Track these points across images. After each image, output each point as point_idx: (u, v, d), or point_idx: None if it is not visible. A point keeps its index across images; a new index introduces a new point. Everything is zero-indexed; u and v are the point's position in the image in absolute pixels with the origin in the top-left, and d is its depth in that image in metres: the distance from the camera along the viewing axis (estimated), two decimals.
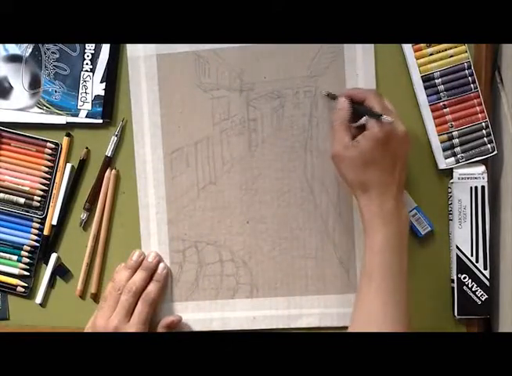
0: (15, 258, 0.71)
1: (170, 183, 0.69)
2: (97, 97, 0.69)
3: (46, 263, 0.71)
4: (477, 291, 0.65)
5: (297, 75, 0.67)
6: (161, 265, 0.68)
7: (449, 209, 0.66)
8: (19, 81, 0.70)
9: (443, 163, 0.66)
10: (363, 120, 0.60)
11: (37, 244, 0.71)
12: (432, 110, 0.65)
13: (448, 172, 0.66)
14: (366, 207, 0.60)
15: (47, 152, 0.71)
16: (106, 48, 0.69)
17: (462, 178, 0.65)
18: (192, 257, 0.69)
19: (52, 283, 0.72)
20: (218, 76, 0.68)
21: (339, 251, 0.67)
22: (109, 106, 0.69)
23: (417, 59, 0.65)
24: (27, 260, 0.71)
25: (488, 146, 0.65)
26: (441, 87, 0.65)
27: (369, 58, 0.66)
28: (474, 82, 0.65)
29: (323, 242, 0.67)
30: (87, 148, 0.70)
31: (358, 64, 0.66)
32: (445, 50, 0.65)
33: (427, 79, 0.65)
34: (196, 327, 0.69)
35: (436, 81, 0.65)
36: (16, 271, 0.71)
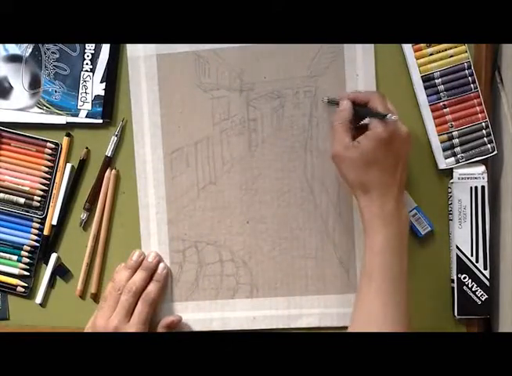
0: (15, 258, 0.71)
1: (170, 183, 0.69)
2: (97, 97, 0.69)
3: (46, 263, 0.71)
4: (477, 291, 0.65)
5: (297, 75, 0.67)
6: (161, 265, 0.68)
7: (449, 209, 0.66)
8: (19, 81, 0.70)
9: (443, 163, 0.66)
10: (366, 120, 0.60)
11: (37, 244, 0.71)
12: (432, 110, 0.65)
13: (448, 172, 0.66)
14: (367, 208, 0.60)
15: (47, 152, 0.71)
16: (106, 48, 0.69)
17: (462, 178, 0.65)
18: (192, 257, 0.69)
19: (52, 283, 0.72)
20: (218, 76, 0.68)
21: (339, 251, 0.67)
22: (109, 106, 0.69)
23: (417, 59, 0.65)
24: (27, 260, 0.71)
25: (488, 146, 0.65)
26: (441, 87, 0.65)
27: (369, 58, 0.66)
28: (474, 82, 0.65)
29: (323, 242, 0.67)
30: (87, 148, 0.70)
31: (358, 64, 0.66)
32: (445, 50, 0.65)
33: (427, 79, 0.65)
34: (196, 327, 0.69)
35: (436, 81, 0.65)
36: (16, 271, 0.71)
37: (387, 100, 0.61)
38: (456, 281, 0.65)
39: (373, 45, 0.66)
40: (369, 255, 0.59)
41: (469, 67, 0.65)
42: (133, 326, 0.64)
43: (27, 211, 0.71)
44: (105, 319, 0.65)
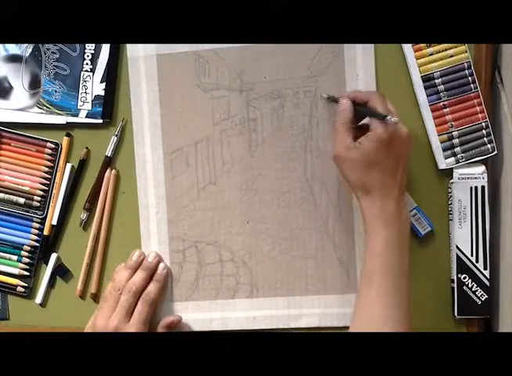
0: (15, 258, 0.71)
1: (170, 183, 0.69)
2: (97, 97, 0.69)
3: (46, 263, 0.71)
4: (477, 291, 0.65)
5: (297, 75, 0.67)
6: (161, 265, 0.68)
7: (449, 209, 0.66)
8: (19, 81, 0.70)
9: (443, 163, 0.66)
10: (366, 121, 0.60)
11: (37, 244, 0.71)
12: (432, 110, 0.65)
13: (448, 172, 0.66)
14: (368, 209, 0.60)
15: (47, 152, 0.71)
16: (106, 48, 0.69)
17: (462, 178, 0.65)
18: (192, 257, 0.69)
19: (52, 283, 0.72)
20: (218, 76, 0.68)
21: (339, 251, 0.67)
22: (109, 106, 0.69)
23: (417, 59, 0.65)
24: (27, 260, 0.71)
25: (488, 146, 0.65)
26: (441, 87, 0.65)
27: (369, 58, 0.66)
28: (474, 82, 0.65)
29: (323, 242, 0.67)
30: (87, 148, 0.70)
31: (358, 64, 0.66)
32: (445, 50, 0.65)
33: (427, 79, 0.65)
34: (196, 327, 0.69)
35: (436, 81, 0.65)
36: (16, 271, 0.71)
37: (387, 100, 0.61)
38: (456, 281, 0.65)
39: (373, 45, 0.66)
40: (369, 256, 0.59)
41: (469, 67, 0.65)
42: (133, 326, 0.64)
43: (27, 211, 0.71)
44: (105, 319, 0.65)
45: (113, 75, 0.69)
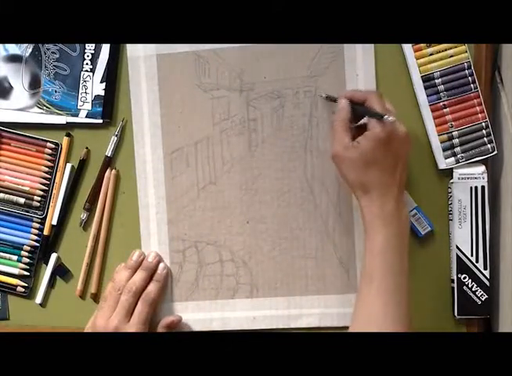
0: (15, 258, 0.71)
1: (170, 183, 0.69)
2: (97, 97, 0.69)
3: (46, 263, 0.71)
4: (477, 291, 0.65)
5: (297, 75, 0.67)
6: (161, 265, 0.68)
7: (449, 209, 0.66)
8: (19, 81, 0.70)
9: (443, 163, 0.66)
10: (364, 120, 0.60)
11: (37, 244, 0.71)
12: (432, 110, 0.65)
13: (448, 172, 0.66)
14: (367, 208, 0.60)
15: (47, 152, 0.71)
16: (106, 48, 0.69)
17: (462, 178, 0.65)
18: (192, 257, 0.69)
19: (52, 283, 0.72)
20: (218, 76, 0.68)
21: (339, 251, 0.67)
22: (109, 106, 0.69)
23: (417, 59, 0.65)
24: (27, 260, 0.71)
25: (488, 146, 0.65)
26: (441, 87, 0.65)
27: (369, 58, 0.66)
28: (474, 82, 0.65)
29: (323, 242, 0.67)
30: (87, 148, 0.70)
31: (358, 64, 0.66)
32: (445, 50, 0.65)
33: (427, 79, 0.65)
34: (196, 327, 0.69)
35: (436, 81, 0.65)
36: (16, 271, 0.71)
37: (384, 99, 0.61)
38: (456, 281, 0.65)
39: (373, 45, 0.66)
40: (369, 255, 0.59)
41: (469, 67, 0.65)
42: (133, 326, 0.64)
43: (27, 211, 0.71)
44: (105, 319, 0.65)
45: (113, 75, 0.69)
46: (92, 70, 0.69)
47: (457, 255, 0.65)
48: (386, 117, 0.57)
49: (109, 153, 0.70)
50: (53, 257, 0.71)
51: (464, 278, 0.65)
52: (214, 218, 0.69)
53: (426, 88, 0.65)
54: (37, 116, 0.70)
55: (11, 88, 0.70)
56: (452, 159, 0.65)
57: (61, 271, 0.71)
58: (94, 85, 0.69)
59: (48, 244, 0.71)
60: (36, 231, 0.71)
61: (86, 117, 0.70)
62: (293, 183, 0.68)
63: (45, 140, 0.70)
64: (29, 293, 0.72)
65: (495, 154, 0.65)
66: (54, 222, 0.71)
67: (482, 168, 0.65)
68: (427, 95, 0.65)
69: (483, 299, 0.65)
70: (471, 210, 0.65)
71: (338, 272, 0.67)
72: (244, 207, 0.68)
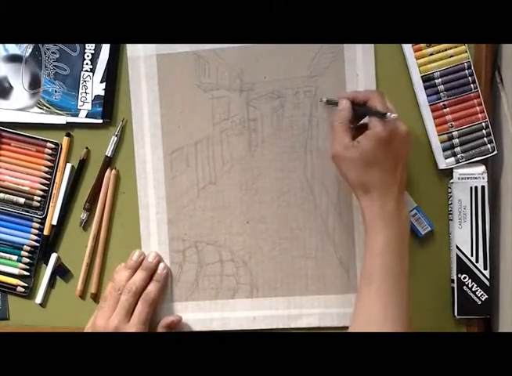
0: (15, 258, 0.71)
1: (170, 183, 0.69)
2: (97, 97, 0.69)
3: (46, 263, 0.71)
4: (477, 291, 0.65)
5: (297, 75, 0.67)
6: (161, 265, 0.68)
7: (449, 209, 0.66)
8: (19, 81, 0.70)
9: (443, 163, 0.66)
10: (366, 119, 0.60)
11: (37, 244, 0.71)
12: (432, 110, 0.65)
13: (448, 172, 0.66)
14: (368, 208, 0.59)
15: (47, 152, 0.71)
16: (106, 48, 0.69)
17: (462, 178, 0.65)
18: (192, 257, 0.69)
19: (52, 283, 0.72)
20: (218, 76, 0.68)
21: (339, 251, 0.67)
22: (109, 106, 0.69)
23: (417, 59, 0.65)
24: (27, 260, 0.71)
25: (488, 146, 0.65)
26: (441, 87, 0.65)
27: (369, 58, 0.66)
28: (474, 82, 0.65)
29: (323, 242, 0.67)
30: (87, 148, 0.70)
31: (358, 64, 0.66)
32: (445, 50, 0.65)
33: (427, 79, 0.65)
34: (196, 327, 0.69)
35: (436, 81, 0.65)
36: (16, 271, 0.71)
37: (386, 99, 0.61)
38: (456, 281, 0.65)
39: (373, 45, 0.66)
40: (369, 256, 0.59)
41: (469, 67, 0.65)
42: (133, 326, 0.64)
43: (27, 211, 0.71)
44: (105, 319, 0.65)
45: (113, 75, 0.69)
46: (92, 70, 0.69)
47: (457, 255, 0.65)
48: (388, 114, 0.57)
49: (109, 153, 0.70)
50: (53, 257, 0.71)
51: (464, 278, 0.65)
52: (214, 218, 0.69)
53: (426, 88, 0.65)
54: (37, 116, 0.70)
55: (11, 88, 0.70)
56: (452, 159, 0.65)
57: (61, 271, 0.71)
58: (94, 85, 0.69)
59: (48, 244, 0.71)
60: (36, 231, 0.71)
61: (86, 117, 0.70)
62: (293, 183, 0.68)
63: (45, 140, 0.70)
64: (29, 293, 0.72)
65: (495, 154, 0.65)
66: (54, 222, 0.71)
67: (482, 168, 0.65)
68: (427, 95, 0.65)
69: (483, 299, 0.65)
70: (471, 210, 0.65)
71: (338, 272, 0.67)
72: (244, 207, 0.68)
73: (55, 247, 0.71)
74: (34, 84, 0.70)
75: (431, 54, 0.65)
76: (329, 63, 0.66)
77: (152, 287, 0.67)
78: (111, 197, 0.70)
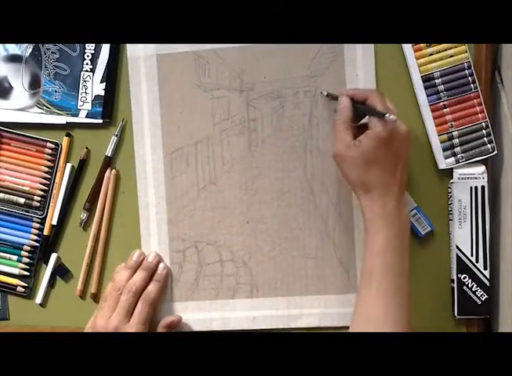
0: (15, 258, 0.71)
1: (170, 183, 0.69)
2: (97, 97, 0.69)
3: (46, 263, 0.71)
4: (477, 291, 0.65)
5: (297, 75, 0.67)
6: (161, 265, 0.68)
7: (449, 209, 0.66)
8: (19, 81, 0.70)
9: (443, 163, 0.66)
10: (366, 119, 0.60)
11: (37, 244, 0.71)
12: (432, 110, 0.65)
13: (448, 172, 0.66)
14: (368, 208, 0.60)
15: (47, 152, 0.71)
16: (106, 48, 0.69)
17: (462, 178, 0.65)
18: (192, 257, 0.69)
19: (52, 283, 0.72)
20: (218, 76, 0.68)
21: (339, 251, 0.67)
22: (109, 106, 0.69)
23: (417, 59, 0.65)
24: (27, 260, 0.71)
25: (488, 146, 0.65)
26: (441, 87, 0.65)
27: (369, 58, 0.66)
28: (474, 82, 0.65)
29: (323, 242, 0.67)
30: (87, 148, 0.70)
31: (358, 64, 0.66)
32: (445, 50, 0.65)
33: (427, 79, 0.65)
34: (196, 327, 0.69)
35: (436, 81, 0.65)
36: (16, 271, 0.71)
37: (386, 98, 0.61)
38: (456, 281, 0.65)
39: (373, 45, 0.66)
40: (369, 255, 0.59)
41: (469, 67, 0.65)
42: (133, 326, 0.64)
43: (27, 211, 0.71)
44: (105, 319, 0.65)
45: (113, 75, 0.69)
46: (92, 70, 0.69)
47: (457, 255, 0.65)
48: (387, 115, 0.57)
49: (109, 153, 0.70)
50: (53, 257, 0.71)
51: (464, 278, 0.65)
52: (214, 218, 0.69)
53: (426, 88, 0.65)
54: (37, 116, 0.70)
55: (11, 88, 0.70)
56: (452, 159, 0.65)
57: (61, 271, 0.71)
58: (94, 85, 0.69)
59: (48, 244, 0.71)
60: (36, 231, 0.71)
61: (86, 117, 0.70)
62: (293, 183, 0.68)
63: (45, 140, 0.70)
64: (29, 293, 0.72)
65: (495, 154, 0.65)
66: (54, 222, 0.71)
67: (482, 168, 0.65)
68: (427, 95, 0.65)
69: (483, 299, 0.65)
70: (471, 210, 0.65)
71: (338, 272, 0.67)
72: (244, 207, 0.68)
73: (55, 247, 0.71)
74: (34, 84, 0.70)
75: (431, 54, 0.65)
76: (329, 63, 0.66)
77: (152, 287, 0.67)
78: (111, 197, 0.70)
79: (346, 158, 0.60)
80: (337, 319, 0.67)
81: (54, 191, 0.70)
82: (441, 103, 0.65)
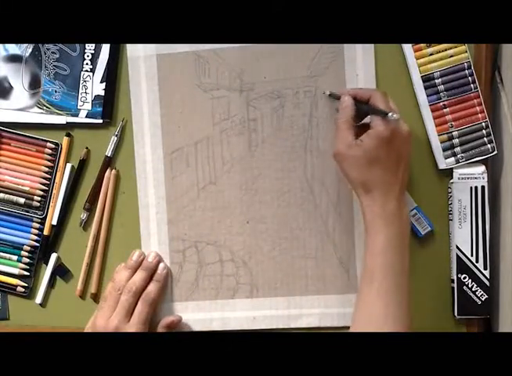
0: (15, 258, 0.71)
1: (170, 183, 0.69)
2: (97, 97, 0.69)
3: (46, 263, 0.71)
4: (477, 291, 0.65)
5: (297, 75, 0.67)
6: (161, 265, 0.68)
7: (449, 209, 0.66)
8: (19, 81, 0.70)
9: (443, 163, 0.66)
10: (368, 119, 0.60)
11: (37, 244, 0.71)
12: (432, 110, 0.65)
13: (448, 172, 0.66)
14: (369, 208, 0.59)
15: (47, 152, 0.71)
16: (106, 48, 0.69)
17: (462, 178, 0.65)
18: (192, 257, 0.69)
19: (52, 283, 0.72)
20: (218, 76, 0.68)
21: (339, 251, 0.67)
22: (109, 106, 0.69)
23: (417, 59, 0.65)
24: (27, 260, 0.71)
25: (488, 146, 0.65)
26: (441, 87, 0.65)
27: (369, 58, 0.66)
28: (474, 82, 0.65)
29: (323, 242, 0.67)
30: (87, 148, 0.70)
31: (358, 64, 0.66)
32: (445, 50, 0.65)
33: (427, 79, 0.65)
34: (196, 327, 0.69)
35: (436, 81, 0.65)
36: (16, 271, 0.71)
37: (388, 98, 0.61)
38: (456, 281, 0.65)
39: (373, 45, 0.66)
40: (370, 255, 0.59)
41: (469, 67, 0.65)
42: (133, 326, 0.64)
43: (27, 211, 0.71)
44: (105, 319, 0.65)
45: (113, 75, 0.69)
46: (92, 70, 0.69)
47: (457, 255, 0.65)
48: (390, 114, 0.57)
49: (109, 153, 0.70)
50: (53, 257, 0.71)
51: (464, 278, 0.65)
52: (214, 218, 0.69)
53: (426, 88, 0.65)
54: (37, 116, 0.70)
55: (11, 88, 0.70)
56: (452, 159, 0.65)
57: (61, 271, 0.71)
58: (94, 85, 0.69)
59: (48, 244, 0.71)
60: (36, 231, 0.71)
61: (86, 117, 0.70)
62: (293, 183, 0.68)
63: (45, 140, 0.70)
64: (29, 293, 0.72)
65: (495, 154, 0.65)
66: (54, 222, 0.71)
67: (482, 168, 0.65)
68: (427, 95, 0.65)
69: (483, 299, 0.65)
70: (471, 210, 0.65)
71: (338, 272, 0.67)
72: (244, 207, 0.68)
73: (55, 247, 0.71)
74: (34, 84, 0.70)
75: (431, 54, 0.65)
76: (329, 63, 0.66)
77: (152, 287, 0.67)
78: (111, 197, 0.70)
79: (347, 157, 0.60)
80: (337, 319, 0.67)
81: (54, 191, 0.70)
82: (441, 103, 0.65)
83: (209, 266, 0.69)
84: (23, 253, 0.71)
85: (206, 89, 0.68)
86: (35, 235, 0.71)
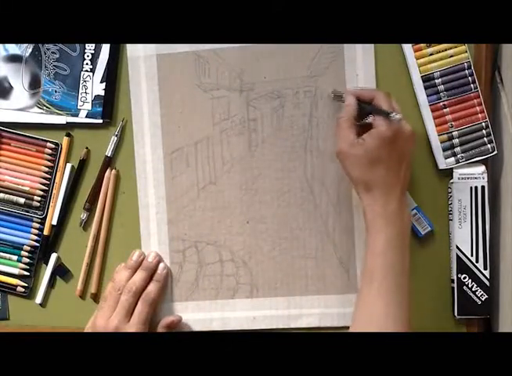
0: (15, 258, 0.71)
1: (170, 183, 0.69)
2: (97, 97, 0.69)
3: (46, 263, 0.71)
4: (477, 291, 0.65)
5: (297, 75, 0.67)
6: (161, 265, 0.68)
7: (449, 209, 0.66)
8: (19, 81, 0.70)
9: (443, 163, 0.66)
10: (370, 118, 0.60)
11: (37, 244, 0.71)
12: (432, 110, 0.65)
13: (448, 172, 0.66)
14: (370, 207, 0.59)
15: (47, 152, 0.71)
16: (106, 48, 0.69)
17: (462, 178, 0.65)
18: (192, 257, 0.69)
19: (52, 283, 0.72)
20: (218, 76, 0.68)
21: (339, 251, 0.67)
22: (109, 106, 0.69)
23: (417, 59, 0.65)
24: (27, 260, 0.71)
25: (488, 146, 0.65)
26: (441, 87, 0.65)
27: (369, 58, 0.66)
28: (474, 82, 0.65)
29: (323, 242, 0.67)
30: (87, 148, 0.70)
31: (358, 64, 0.66)
32: (445, 50, 0.65)
33: (427, 79, 0.65)
34: (196, 327, 0.69)
35: (436, 81, 0.65)
36: (16, 271, 0.71)
37: (392, 99, 0.61)
38: (456, 281, 0.65)
39: (373, 45, 0.66)
40: (370, 255, 0.59)
41: (469, 67, 0.65)
42: (133, 326, 0.64)
43: (27, 211, 0.71)
44: (105, 319, 0.65)
45: (113, 75, 0.69)
46: (92, 70, 0.69)
47: (457, 255, 0.65)
48: (393, 114, 0.58)
49: (109, 153, 0.70)
50: (53, 257, 0.71)
51: (464, 278, 0.65)
52: (214, 218, 0.69)
53: (426, 88, 0.65)
54: (37, 116, 0.70)
55: (11, 88, 0.70)
56: (452, 159, 0.65)
57: (61, 271, 0.71)
58: (94, 85, 0.69)
59: (48, 244, 0.71)
60: (36, 231, 0.71)
61: (86, 117, 0.70)
62: (293, 183, 0.68)
63: (45, 140, 0.70)
64: (29, 293, 0.72)
65: (495, 154, 0.65)
66: (54, 222, 0.71)
67: (482, 168, 0.65)
68: (427, 95, 0.65)
69: (483, 299, 0.65)
70: (471, 210, 0.65)
71: (338, 272, 0.67)
72: (244, 207, 0.68)
73: (55, 247, 0.71)
74: (34, 84, 0.70)
75: (431, 54, 0.65)
76: (329, 63, 0.66)
77: (152, 287, 0.67)
78: (111, 197, 0.70)
79: (349, 156, 0.60)
80: (337, 319, 0.67)
81: (54, 191, 0.70)
82: (441, 103, 0.65)
83: (209, 266, 0.69)
84: (23, 253, 0.71)
85: (206, 89, 0.68)
86: (35, 235, 0.71)
